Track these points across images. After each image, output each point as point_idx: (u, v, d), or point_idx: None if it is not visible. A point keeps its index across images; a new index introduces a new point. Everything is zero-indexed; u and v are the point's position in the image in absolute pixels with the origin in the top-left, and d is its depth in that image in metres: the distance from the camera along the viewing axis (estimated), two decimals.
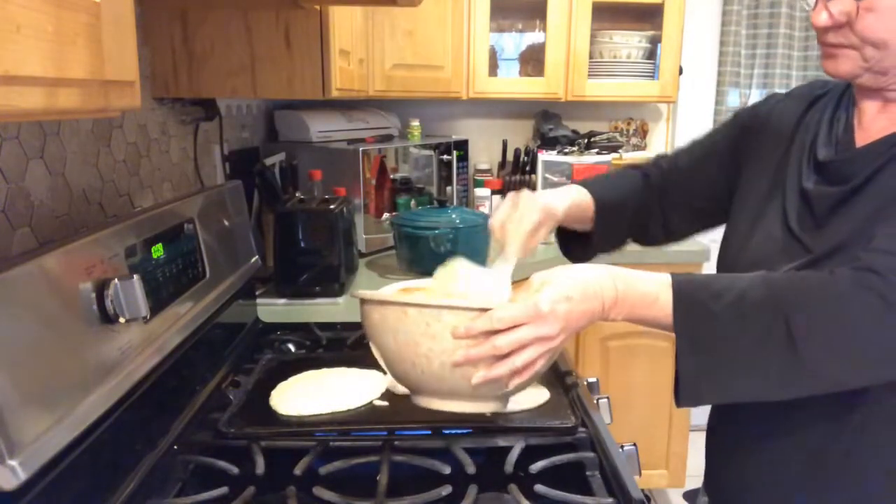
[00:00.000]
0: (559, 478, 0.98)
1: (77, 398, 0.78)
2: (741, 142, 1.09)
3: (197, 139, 1.67)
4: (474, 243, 1.96)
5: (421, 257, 2.04)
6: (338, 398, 1.14)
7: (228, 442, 1.06)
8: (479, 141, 2.90)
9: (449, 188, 2.60)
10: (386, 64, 2.17)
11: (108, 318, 0.86)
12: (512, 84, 2.70)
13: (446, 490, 0.93)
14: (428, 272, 2.12)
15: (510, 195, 1.03)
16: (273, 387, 1.20)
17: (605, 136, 2.68)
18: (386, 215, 2.29)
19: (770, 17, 2.92)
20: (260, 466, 0.99)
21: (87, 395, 0.80)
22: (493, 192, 2.66)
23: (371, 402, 1.15)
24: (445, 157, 2.57)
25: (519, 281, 0.95)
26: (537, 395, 1.15)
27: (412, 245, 2.05)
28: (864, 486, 0.91)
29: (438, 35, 2.41)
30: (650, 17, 2.74)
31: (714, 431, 1.10)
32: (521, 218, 0.98)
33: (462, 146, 2.66)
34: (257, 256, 1.52)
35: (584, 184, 1.13)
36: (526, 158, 2.79)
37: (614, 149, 2.64)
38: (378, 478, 0.96)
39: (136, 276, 0.88)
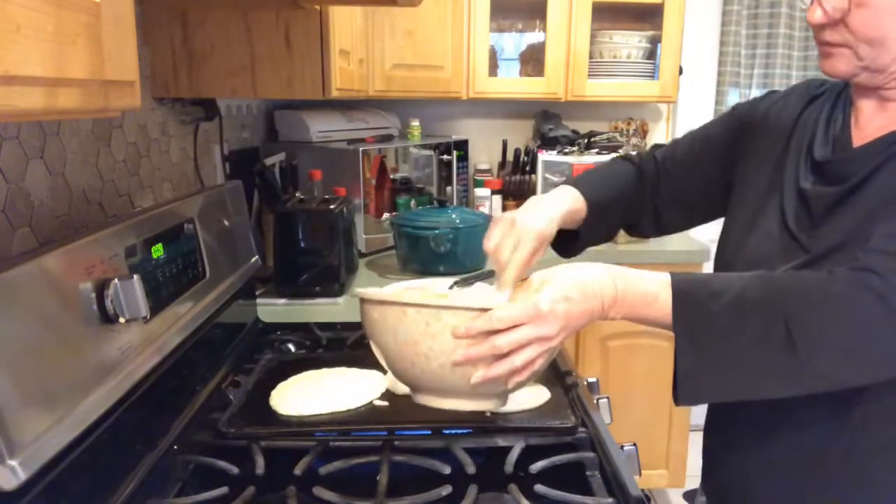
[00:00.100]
0: (559, 478, 0.98)
1: (77, 398, 0.78)
2: (738, 137, 1.09)
3: (197, 139, 1.67)
4: (474, 243, 1.96)
5: (421, 257, 2.04)
6: (338, 398, 1.14)
7: (228, 442, 1.06)
8: (479, 141, 2.90)
9: (449, 188, 2.60)
10: (386, 64, 2.17)
11: (108, 318, 0.86)
12: (512, 84, 2.70)
13: (446, 490, 0.93)
14: (428, 272, 2.13)
15: (504, 220, 1.00)
16: (273, 387, 1.20)
17: (605, 136, 2.68)
18: (386, 215, 2.29)
19: (770, 17, 2.92)
20: (260, 466, 0.99)
21: (87, 395, 0.80)
22: (493, 192, 2.66)
23: (371, 402, 1.15)
24: (445, 157, 2.57)
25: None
26: (537, 395, 1.15)
27: (412, 245, 2.05)
28: (865, 485, 0.91)
29: (438, 35, 2.41)
30: (650, 17, 2.74)
31: (711, 431, 1.10)
32: (516, 246, 0.97)
33: (462, 146, 2.66)
34: (257, 256, 1.52)
35: (576, 182, 1.12)
36: (526, 158, 2.80)
37: (614, 149, 2.64)
38: (378, 478, 0.96)
39: (136, 276, 0.88)
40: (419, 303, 0.85)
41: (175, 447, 1.02)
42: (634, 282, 0.87)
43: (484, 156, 2.93)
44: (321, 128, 2.33)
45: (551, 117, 2.84)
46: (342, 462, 1.01)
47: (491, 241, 0.98)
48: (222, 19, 1.44)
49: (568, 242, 1.15)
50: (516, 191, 2.75)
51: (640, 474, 1.02)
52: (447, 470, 0.98)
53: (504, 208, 2.70)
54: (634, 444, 1.08)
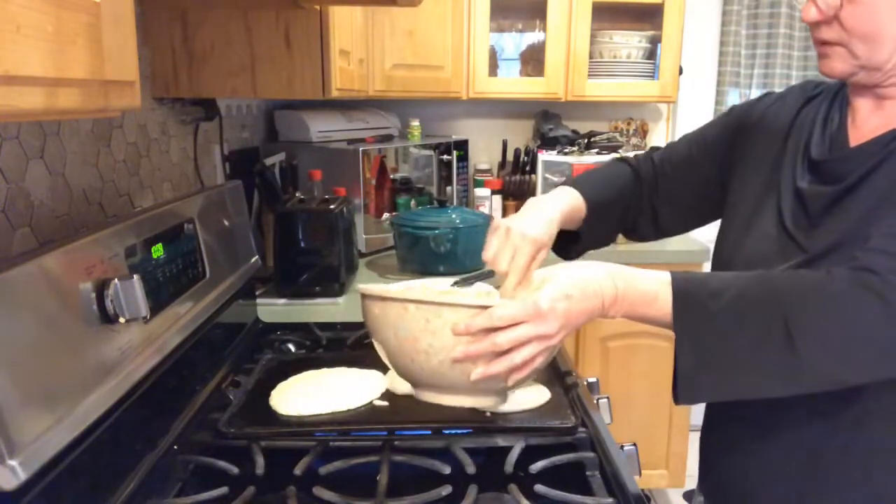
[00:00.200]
0: (559, 478, 0.98)
1: (77, 398, 0.78)
2: (735, 139, 1.09)
3: (197, 139, 1.67)
4: (474, 243, 1.96)
5: (421, 257, 2.04)
6: (338, 398, 1.14)
7: (228, 442, 1.06)
8: (479, 141, 2.90)
9: (449, 188, 2.60)
10: (386, 64, 2.17)
11: (108, 318, 0.86)
12: (512, 84, 2.70)
13: (446, 490, 0.93)
14: (428, 272, 2.13)
15: (500, 229, 0.99)
16: (273, 387, 1.20)
17: (605, 136, 2.68)
18: (386, 215, 2.29)
19: (770, 17, 2.92)
20: (260, 466, 0.99)
21: (87, 395, 0.80)
22: (493, 192, 2.66)
23: (371, 402, 1.15)
24: (445, 157, 2.57)
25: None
26: (537, 395, 1.15)
27: (412, 245, 2.05)
28: (862, 483, 0.91)
29: (438, 35, 2.41)
30: (650, 17, 2.74)
31: (708, 431, 1.11)
32: (513, 254, 0.97)
33: (462, 146, 2.66)
34: (257, 256, 1.52)
35: (575, 183, 1.12)
36: (526, 158, 2.80)
37: (614, 149, 2.64)
38: (378, 478, 0.96)
39: (136, 276, 0.88)
40: (420, 299, 0.85)
41: (175, 447, 1.02)
42: (634, 281, 0.87)
43: (484, 156, 2.93)
44: (321, 128, 2.33)
45: (551, 117, 2.84)
46: (342, 462, 1.01)
47: (489, 252, 0.98)
48: (222, 19, 1.44)
49: (569, 244, 1.15)
50: (516, 191, 2.75)
51: (640, 474, 1.02)
52: (447, 470, 0.98)
53: (504, 208, 2.70)
54: (634, 444, 1.08)
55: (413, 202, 2.39)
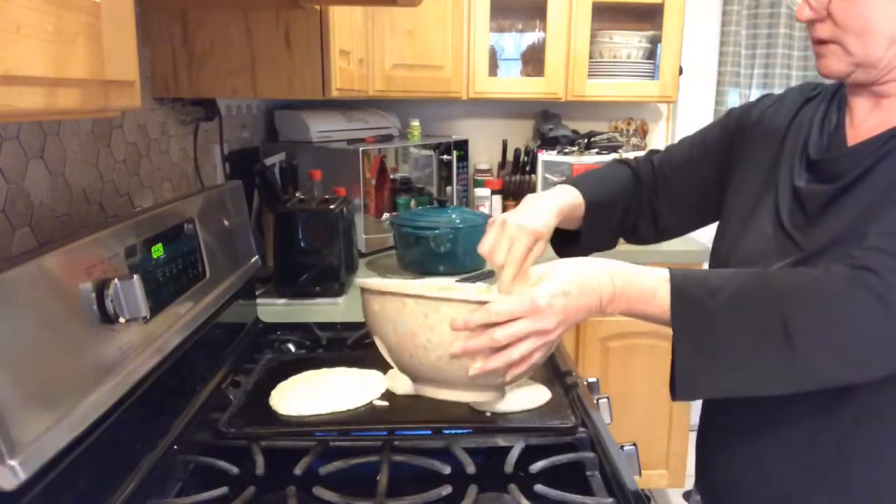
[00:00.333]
0: (559, 478, 0.98)
1: (77, 398, 0.78)
2: (734, 140, 1.09)
3: (197, 139, 1.67)
4: (474, 243, 1.95)
5: (421, 257, 2.04)
6: (338, 398, 1.14)
7: (228, 442, 1.06)
8: (479, 141, 2.90)
9: (449, 188, 2.60)
10: (386, 64, 2.17)
11: (108, 318, 0.86)
12: (512, 84, 2.70)
13: (446, 490, 0.93)
14: (428, 272, 2.13)
15: (496, 222, 0.99)
16: (273, 387, 1.20)
17: (605, 136, 2.68)
18: (386, 215, 2.29)
19: (770, 17, 2.92)
20: (260, 466, 0.99)
21: (87, 395, 0.80)
22: (493, 192, 2.66)
23: (371, 402, 1.15)
24: (445, 157, 2.57)
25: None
26: (537, 395, 1.15)
27: (412, 245, 2.05)
28: (857, 481, 0.91)
29: (438, 35, 2.41)
30: (650, 17, 2.74)
31: (704, 430, 1.11)
32: (510, 246, 0.97)
33: (462, 146, 2.66)
34: (257, 256, 1.52)
35: (574, 182, 1.12)
36: (526, 158, 2.80)
37: (614, 149, 2.64)
38: (378, 478, 0.96)
39: (136, 276, 0.88)
40: (418, 294, 0.85)
41: (175, 447, 1.02)
42: (633, 278, 0.87)
43: (484, 156, 2.93)
44: (321, 128, 2.33)
45: (551, 117, 2.84)
46: (342, 462, 1.01)
47: (485, 245, 0.98)
48: (222, 19, 1.44)
49: (568, 245, 1.15)
50: (516, 191, 2.75)
51: (640, 474, 1.02)
52: (447, 470, 0.98)
53: (504, 208, 2.70)
54: (634, 444, 1.08)
55: (413, 202, 2.39)
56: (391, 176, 2.34)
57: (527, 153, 2.80)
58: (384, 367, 1.17)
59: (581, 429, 1.08)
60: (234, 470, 0.99)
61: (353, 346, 1.47)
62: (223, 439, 1.06)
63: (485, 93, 2.59)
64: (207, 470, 1.01)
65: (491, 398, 0.95)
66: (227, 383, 1.26)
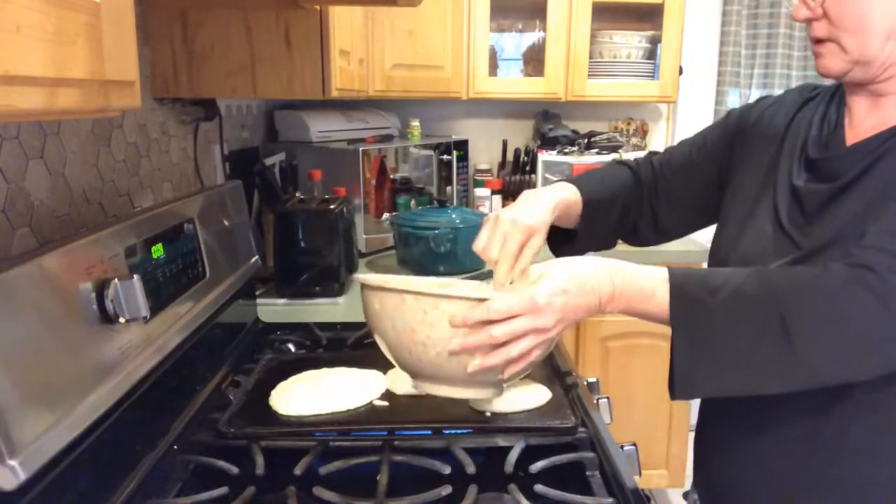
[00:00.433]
0: (559, 478, 0.98)
1: (77, 398, 0.78)
2: (734, 141, 1.10)
3: (197, 139, 1.67)
4: None
5: (421, 257, 2.04)
6: (338, 398, 1.14)
7: (228, 442, 1.06)
8: (479, 141, 2.90)
9: (449, 188, 2.60)
10: (386, 64, 2.17)
11: (108, 318, 0.86)
12: (512, 84, 2.70)
13: (446, 490, 0.93)
14: (428, 272, 2.13)
15: (490, 218, 0.99)
16: (273, 387, 1.20)
17: (605, 136, 2.68)
18: (386, 215, 2.29)
19: (770, 17, 2.92)
20: (260, 466, 0.99)
21: (87, 395, 0.80)
22: (493, 192, 2.66)
23: (371, 402, 1.15)
24: (445, 157, 2.57)
25: None
26: (537, 395, 1.15)
27: (412, 245, 2.05)
28: (856, 479, 0.91)
29: (438, 35, 2.41)
30: (650, 17, 2.74)
31: (702, 429, 1.11)
32: (503, 241, 0.97)
33: (462, 146, 2.66)
34: (257, 256, 1.52)
35: (573, 180, 1.13)
36: (526, 158, 2.80)
37: (614, 149, 2.64)
38: (378, 478, 0.96)
39: (136, 276, 0.88)
40: (418, 291, 0.85)
41: (175, 447, 1.02)
42: (632, 277, 0.88)
43: (484, 156, 2.93)
44: (321, 128, 2.33)
45: (551, 117, 2.84)
46: (342, 462, 1.01)
47: (479, 243, 0.98)
48: (222, 19, 1.44)
49: (565, 244, 1.15)
50: (516, 191, 2.75)
51: (640, 474, 1.02)
52: (447, 470, 0.98)
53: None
54: (634, 444, 1.08)
55: (413, 202, 2.39)
56: (391, 176, 2.34)
57: (527, 153, 2.80)
58: (384, 367, 1.17)
59: (581, 429, 1.08)
60: (234, 470, 0.99)
61: (353, 346, 1.47)
62: (223, 439, 1.06)
63: (485, 93, 2.59)
64: (207, 470, 1.01)
65: (489, 395, 0.95)
66: (227, 383, 1.26)
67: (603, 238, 1.18)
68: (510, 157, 2.87)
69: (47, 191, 1.05)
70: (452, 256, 2.02)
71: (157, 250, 1.04)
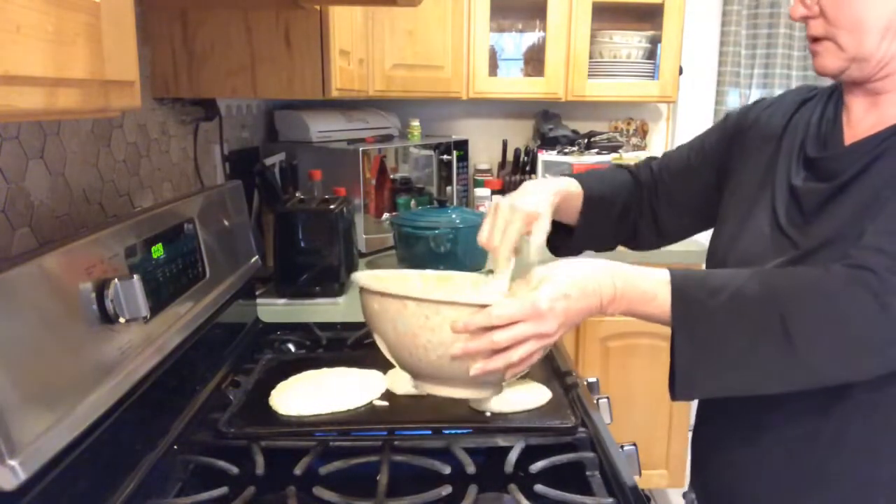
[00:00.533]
0: (559, 478, 0.98)
1: (77, 398, 0.78)
2: (732, 143, 1.10)
3: (197, 139, 1.67)
4: (474, 243, 1.96)
5: (421, 257, 2.04)
6: (338, 398, 1.14)
7: (228, 442, 1.06)
8: (479, 141, 2.90)
9: (449, 188, 2.60)
10: (386, 64, 2.17)
11: (108, 318, 0.86)
12: (512, 84, 2.70)
13: (446, 490, 0.93)
14: None
15: (491, 207, 1.02)
16: (273, 387, 1.20)
17: (605, 136, 2.68)
18: (386, 215, 2.29)
19: (770, 17, 2.92)
20: (260, 466, 0.99)
21: (87, 395, 0.80)
22: (493, 192, 2.66)
23: (371, 402, 1.15)
24: (445, 157, 2.57)
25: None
26: (537, 395, 1.15)
27: (412, 245, 2.05)
28: (856, 479, 0.91)
29: (438, 35, 2.41)
30: (650, 17, 2.74)
31: (699, 428, 1.11)
32: (504, 228, 0.98)
33: (462, 146, 2.66)
34: (257, 256, 1.52)
35: (574, 176, 1.14)
36: (526, 158, 2.80)
37: (614, 149, 2.64)
38: (378, 478, 0.96)
39: (136, 276, 0.88)
40: (419, 297, 0.85)
41: (175, 447, 1.02)
42: (633, 280, 0.88)
43: (484, 156, 2.93)
44: (321, 128, 2.33)
45: (551, 117, 2.84)
46: (342, 462, 1.01)
47: (483, 234, 1.00)
48: (222, 19, 1.44)
49: (564, 241, 1.15)
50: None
51: (640, 474, 1.02)
52: (447, 470, 0.98)
53: None
54: (634, 444, 1.08)
55: (413, 202, 2.39)
56: (391, 176, 2.34)
57: (527, 153, 2.80)
58: (384, 367, 1.17)
59: (581, 429, 1.08)
60: (234, 470, 0.99)
61: (353, 346, 1.47)
62: (223, 439, 1.06)
63: (485, 93, 2.59)
64: (207, 470, 1.01)
65: (489, 394, 0.95)
66: (227, 383, 1.26)
67: (603, 237, 1.19)
68: (510, 157, 2.87)
69: (47, 191, 1.05)
70: (452, 256, 2.02)
71: (157, 250, 1.04)
